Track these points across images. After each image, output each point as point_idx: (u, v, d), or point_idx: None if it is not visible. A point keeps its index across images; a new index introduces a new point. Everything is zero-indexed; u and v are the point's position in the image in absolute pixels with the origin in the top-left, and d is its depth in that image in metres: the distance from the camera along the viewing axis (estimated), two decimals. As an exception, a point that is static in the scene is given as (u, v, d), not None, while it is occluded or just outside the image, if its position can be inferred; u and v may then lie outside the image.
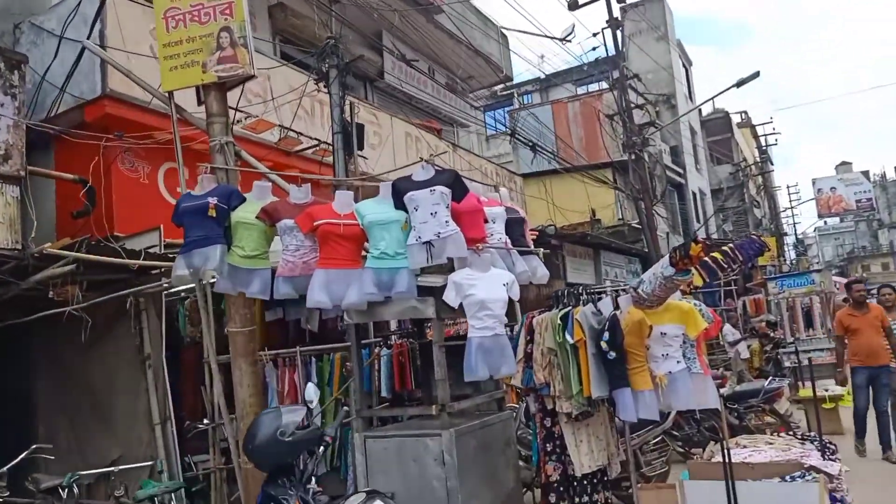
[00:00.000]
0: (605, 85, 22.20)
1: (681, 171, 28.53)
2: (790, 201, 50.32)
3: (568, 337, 4.56)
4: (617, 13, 16.20)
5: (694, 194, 29.97)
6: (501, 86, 27.66)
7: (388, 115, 12.09)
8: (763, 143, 41.66)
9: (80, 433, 7.46)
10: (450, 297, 4.38)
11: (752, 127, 42.56)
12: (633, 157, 15.90)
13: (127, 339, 7.04)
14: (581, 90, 28.41)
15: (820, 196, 52.61)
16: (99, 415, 7.28)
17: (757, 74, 15.52)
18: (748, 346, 13.44)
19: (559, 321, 4.65)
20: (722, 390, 8.04)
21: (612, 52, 16.52)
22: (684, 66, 34.16)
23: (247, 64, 4.86)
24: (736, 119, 40.87)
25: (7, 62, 6.03)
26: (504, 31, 17.23)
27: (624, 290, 4.72)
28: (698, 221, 28.45)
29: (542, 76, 29.39)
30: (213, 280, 4.81)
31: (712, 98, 17.54)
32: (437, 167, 4.64)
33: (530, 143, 15.25)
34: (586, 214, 20.45)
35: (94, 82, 7.35)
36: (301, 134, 8.82)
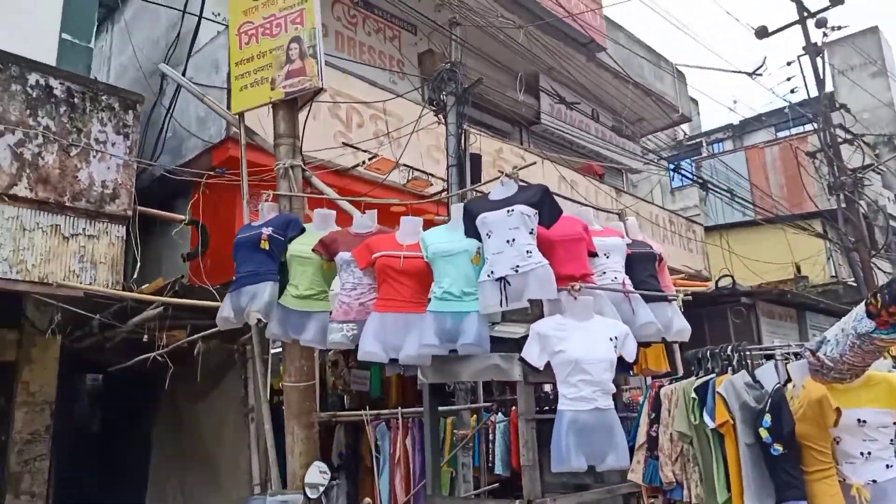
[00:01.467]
0: (810, 128, 19.48)
1: (910, 221, 24.14)
2: None
3: (707, 419, 3.16)
4: (817, 38, 13.97)
5: (929, 248, 25.14)
6: (686, 134, 25.66)
7: (538, 158, 11.14)
8: None
9: (188, 486, 7.15)
10: (531, 354, 3.24)
11: None
12: (842, 200, 13.33)
13: (234, 390, 6.67)
14: (782, 135, 25.44)
15: None
16: (206, 468, 6.92)
17: None
18: None
19: (694, 394, 3.27)
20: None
21: (811, 83, 14.22)
22: (909, 102, 29.47)
23: (315, 76, 4.22)
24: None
25: (122, 102, 6.04)
26: (680, 67, 15.65)
27: (797, 353, 3.23)
28: (936, 280, 23.60)
29: (735, 123, 26.89)
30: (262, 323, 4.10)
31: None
32: (521, 182, 3.58)
33: (725, 189, 13.38)
34: (790, 270, 17.66)
35: (220, 126, 7.29)
36: (432, 175, 8.15)
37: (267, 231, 3.96)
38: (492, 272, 3.30)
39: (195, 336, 5.23)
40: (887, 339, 2.77)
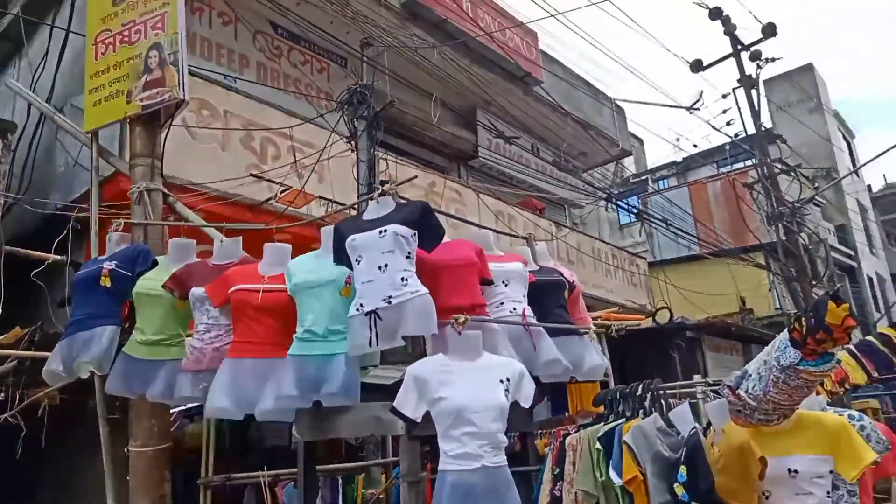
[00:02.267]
0: (751, 163, 19.72)
1: (851, 252, 24.61)
2: None
3: (613, 474, 2.64)
4: (751, 70, 14.10)
5: (870, 279, 25.64)
6: (632, 172, 25.85)
7: (473, 192, 10.75)
8: (956, 220, 35.71)
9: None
10: (405, 404, 2.68)
11: (939, 202, 36.78)
12: (782, 231, 13.28)
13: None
14: (725, 170, 25.84)
15: None
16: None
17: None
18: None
19: (598, 445, 2.75)
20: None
21: (747, 116, 14.33)
22: (845, 138, 30.46)
23: (175, 86, 3.69)
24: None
25: (-11, 130, 5.38)
26: (619, 101, 15.63)
27: (716, 390, 2.75)
28: (878, 311, 24.00)
29: (679, 160, 27.24)
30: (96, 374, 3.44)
31: (882, 154, 14.47)
32: (400, 198, 3.08)
33: (661, 220, 13.19)
34: (735, 304, 17.56)
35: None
36: (341, 204, 7.61)
37: (109, 265, 3.35)
38: (361, 305, 2.76)
39: (44, 392, 4.50)
40: (816, 371, 2.32)
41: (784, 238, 13.63)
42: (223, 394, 2.92)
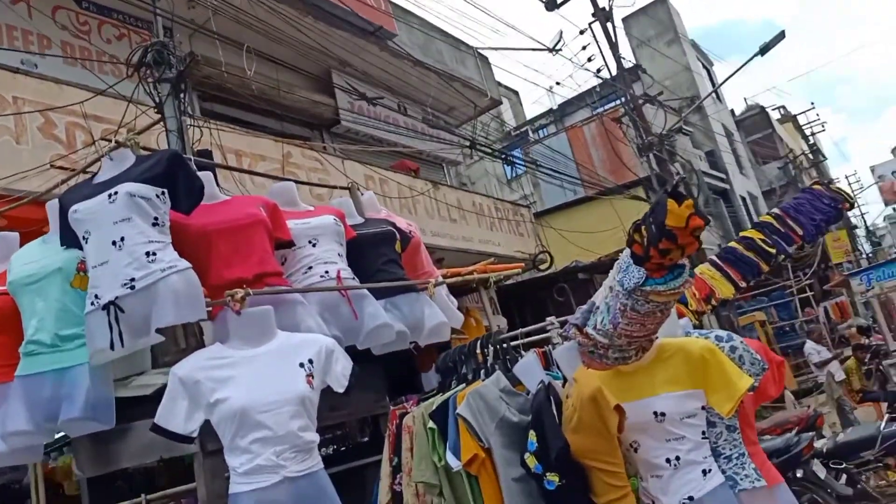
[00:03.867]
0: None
1: (723, 175, 25.75)
2: (852, 191, 46.19)
3: (450, 458, 2.11)
4: (604, 2, 13.99)
5: (743, 199, 27.02)
6: (512, 126, 25.74)
7: (338, 159, 10.01)
8: (809, 133, 38.47)
9: None
10: (172, 416, 2.03)
11: (794, 118, 39.39)
12: (654, 162, 13.39)
13: None
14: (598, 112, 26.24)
15: (882, 182, 48.32)
16: None
17: (782, 36, 12.96)
18: (842, 363, 10.38)
19: (431, 423, 2.21)
20: (819, 443, 5.30)
21: (606, 49, 14.26)
22: (705, 67, 31.69)
23: None
24: (776, 115, 37.69)
25: None
26: (481, 50, 15.18)
27: (564, 334, 2.26)
28: (753, 227, 25.30)
29: (555, 108, 27.37)
30: None
31: (735, 72, 14.89)
32: (144, 150, 2.38)
33: (532, 163, 12.92)
34: (623, 241, 17.83)
35: None
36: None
37: None
38: (96, 297, 2.06)
39: None
40: (665, 290, 1.85)
41: (657, 168, 13.77)
42: (-63, 440, 2.15)
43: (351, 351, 2.69)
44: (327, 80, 11.98)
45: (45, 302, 2.14)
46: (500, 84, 20.84)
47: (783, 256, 3.39)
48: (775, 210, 3.29)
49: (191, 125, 5.22)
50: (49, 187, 4.28)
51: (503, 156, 9.97)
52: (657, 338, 2.11)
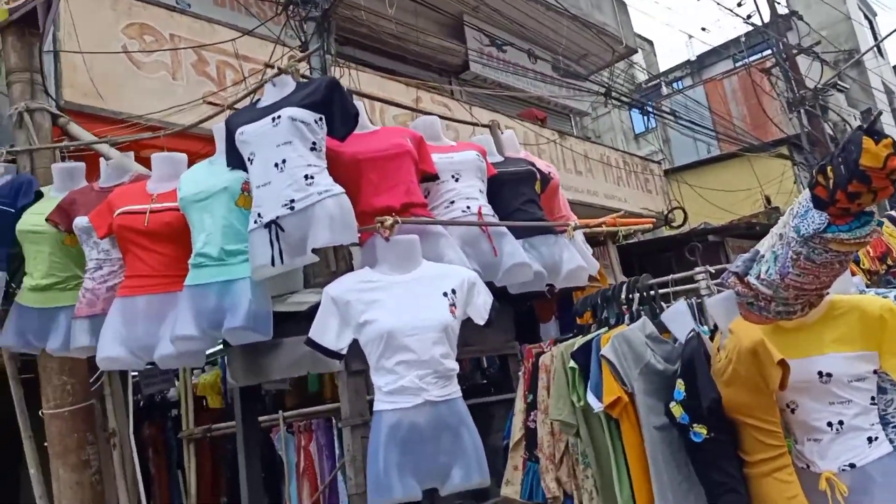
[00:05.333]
0: (768, 53, 18.40)
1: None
2: None
3: (591, 398, 2.07)
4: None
5: (902, 163, 24.44)
6: (645, 77, 24.54)
7: (465, 106, 9.96)
8: None
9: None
10: (324, 332, 2.13)
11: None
12: (805, 119, 12.33)
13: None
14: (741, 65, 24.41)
15: None
16: None
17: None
18: None
19: (573, 363, 2.17)
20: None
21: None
22: (867, 17, 28.52)
23: (42, -19, 3.02)
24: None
25: None
26: (619, -5, 14.44)
27: (719, 284, 2.13)
28: (913, 196, 22.93)
29: (693, 59, 25.75)
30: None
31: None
32: (303, 77, 2.44)
33: (673, 115, 12.28)
34: (760, 203, 16.69)
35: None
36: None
37: (-16, 201, 2.79)
38: (259, 215, 2.17)
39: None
40: (850, 239, 1.69)
41: (808, 126, 12.67)
42: (114, 341, 2.39)
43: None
44: (458, 25, 11.88)
45: (212, 218, 2.29)
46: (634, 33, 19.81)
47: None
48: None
49: (332, 64, 5.35)
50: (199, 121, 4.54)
51: (640, 105, 9.48)
52: (828, 293, 1.94)
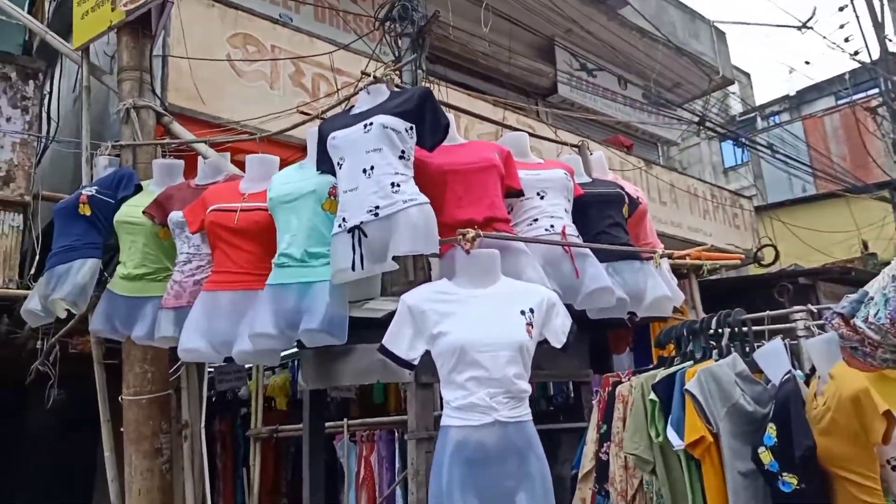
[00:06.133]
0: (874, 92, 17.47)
1: None
2: None
3: (672, 435, 1.96)
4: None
5: None
6: (740, 110, 23.79)
7: (550, 128, 9.90)
8: None
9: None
10: (398, 341, 2.11)
11: None
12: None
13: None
14: (843, 103, 23.27)
15: None
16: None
17: None
18: None
19: (653, 396, 2.07)
20: None
21: (868, 28, 12.47)
22: None
23: (159, -14, 3.20)
24: None
25: (21, 72, 5.15)
26: (718, 24, 14.06)
27: (820, 325, 1.99)
28: None
29: (792, 94, 24.78)
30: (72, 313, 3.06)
31: None
32: (397, 87, 2.46)
33: (768, 148, 11.79)
34: (856, 248, 15.76)
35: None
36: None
37: (88, 192, 2.95)
38: (343, 220, 2.19)
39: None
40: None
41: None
42: (197, 333, 2.46)
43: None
44: (549, 48, 11.84)
45: (298, 220, 2.33)
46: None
47: None
48: None
49: (423, 79, 5.42)
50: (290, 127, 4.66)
51: (736, 136, 9.15)
52: (946, 343, 1.77)
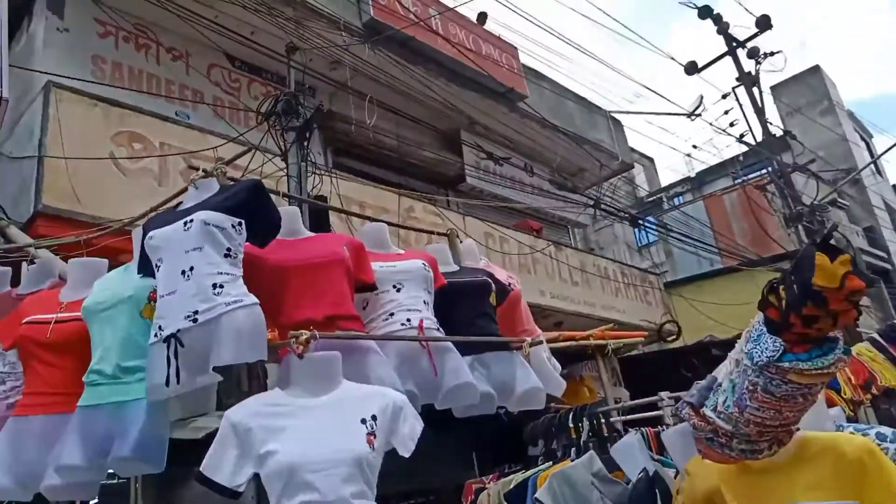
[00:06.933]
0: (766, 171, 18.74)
1: (883, 254, 23.24)
2: None
3: (525, 551, 1.75)
4: (749, 67, 13.28)
5: (908, 280, 24.19)
6: (646, 192, 24.97)
7: (458, 216, 9.96)
8: None
9: None
10: (219, 466, 1.84)
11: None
12: (803, 233, 12.25)
13: None
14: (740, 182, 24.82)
15: None
16: None
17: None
18: None
19: (506, 506, 1.86)
20: None
21: (750, 114, 13.47)
22: (864, 139, 29.24)
23: (-10, 83, 2.97)
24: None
25: None
26: (614, 113, 14.85)
27: (676, 415, 1.86)
28: (922, 313, 22.50)
29: (693, 175, 26.29)
30: None
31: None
32: (230, 180, 2.29)
33: (665, 230, 12.22)
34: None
35: (29, 201, 6.03)
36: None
37: None
38: (160, 328, 1.95)
39: None
40: (809, 370, 1.44)
41: (807, 241, 12.58)
42: (1, 468, 2.10)
43: (439, 413, 2.43)
44: (455, 139, 12.14)
45: (112, 330, 2.07)
46: (634, 150, 20.37)
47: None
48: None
49: (312, 172, 5.31)
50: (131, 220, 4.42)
51: (629, 216, 9.43)
52: (799, 429, 1.67)
